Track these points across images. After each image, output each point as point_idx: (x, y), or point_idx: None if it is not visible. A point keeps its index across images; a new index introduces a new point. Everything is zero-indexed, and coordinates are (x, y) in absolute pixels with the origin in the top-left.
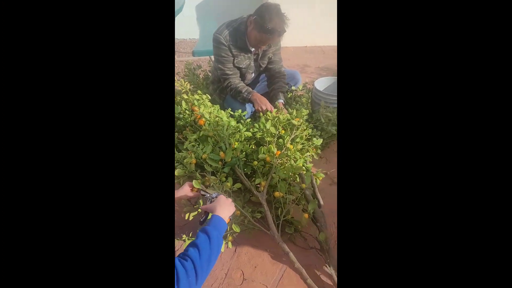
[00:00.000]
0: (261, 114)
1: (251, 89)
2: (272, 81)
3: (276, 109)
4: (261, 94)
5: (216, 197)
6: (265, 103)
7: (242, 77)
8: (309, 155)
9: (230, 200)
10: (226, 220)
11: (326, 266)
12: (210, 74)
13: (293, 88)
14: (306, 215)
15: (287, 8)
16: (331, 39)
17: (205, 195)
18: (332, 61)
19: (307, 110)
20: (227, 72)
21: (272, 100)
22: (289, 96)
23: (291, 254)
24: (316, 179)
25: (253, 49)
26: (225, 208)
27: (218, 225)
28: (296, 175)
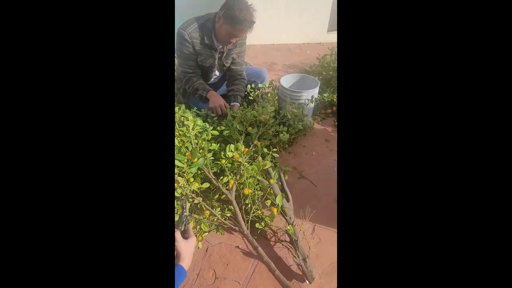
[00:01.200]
0: (215, 112)
1: (208, 87)
2: (232, 83)
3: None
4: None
5: (186, 218)
6: (219, 101)
7: (205, 75)
8: (277, 151)
9: (193, 239)
10: (188, 266)
11: (295, 257)
12: (174, 73)
13: (260, 85)
14: (274, 210)
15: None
16: (295, 37)
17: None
18: (297, 58)
19: (273, 107)
20: (187, 70)
21: (229, 101)
22: (256, 93)
23: (259, 248)
24: (284, 174)
25: (219, 47)
26: (188, 252)
27: (178, 277)
28: (265, 171)
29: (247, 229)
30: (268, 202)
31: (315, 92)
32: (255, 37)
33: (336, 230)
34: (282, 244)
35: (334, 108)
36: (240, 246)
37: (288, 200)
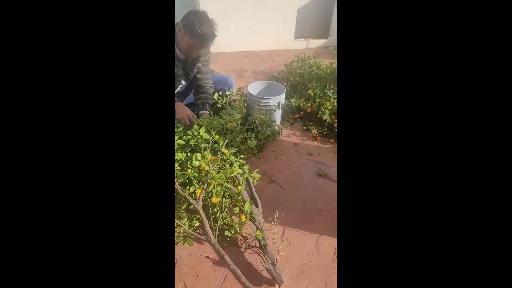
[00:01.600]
0: (182, 123)
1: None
2: (199, 91)
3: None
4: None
5: None
6: (186, 111)
7: None
8: (245, 157)
9: None
10: None
11: (264, 262)
12: None
13: (227, 93)
14: (243, 217)
15: (222, 16)
16: (265, 44)
17: None
18: (266, 65)
19: (240, 114)
20: None
21: (197, 110)
22: (224, 101)
23: (226, 256)
24: (253, 179)
25: (182, 56)
26: None
27: None
28: (234, 178)
29: (215, 237)
30: (237, 210)
31: (281, 98)
32: (224, 45)
33: (304, 232)
34: (253, 250)
35: (302, 113)
36: (210, 256)
37: (257, 206)
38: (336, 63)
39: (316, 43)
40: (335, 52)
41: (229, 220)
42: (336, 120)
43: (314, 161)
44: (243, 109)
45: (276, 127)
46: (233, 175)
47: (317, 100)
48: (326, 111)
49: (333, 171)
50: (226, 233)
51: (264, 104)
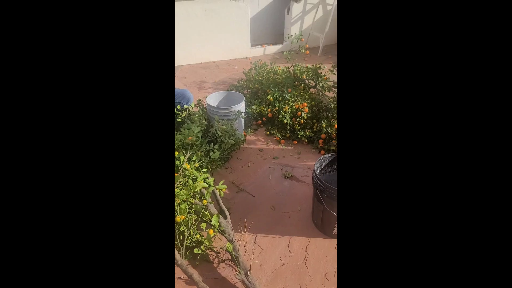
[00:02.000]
0: None
1: None
2: None
3: None
4: None
5: None
6: None
7: None
8: (209, 170)
9: None
10: None
11: (237, 273)
12: None
13: (185, 106)
14: (211, 232)
15: (177, 31)
16: (222, 54)
17: None
18: (226, 74)
19: (200, 127)
20: None
21: None
22: (183, 115)
23: (194, 276)
24: (219, 191)
25: None
26: None
27: None
28: (199, 193)
29: (184, 257)
30: (203, 225)
31: (241, 106)
32: (182, 58)
33: (275, 236)
34: (225, 263)
35: (264, 119)
36: (182, 277)
37: (225, 218)
38: (291, 67)
39: (272, 49)
40: (290, 57)
41: (199, 236)
42: (296, 122)
43: (280, 164)
44: (204, 121)
45: (240, 136)
46: (197, 190)
47: (277, 105)
48: (286, 114)
49: (298, 172)
50: (196, 250)
51: (224, 114)
